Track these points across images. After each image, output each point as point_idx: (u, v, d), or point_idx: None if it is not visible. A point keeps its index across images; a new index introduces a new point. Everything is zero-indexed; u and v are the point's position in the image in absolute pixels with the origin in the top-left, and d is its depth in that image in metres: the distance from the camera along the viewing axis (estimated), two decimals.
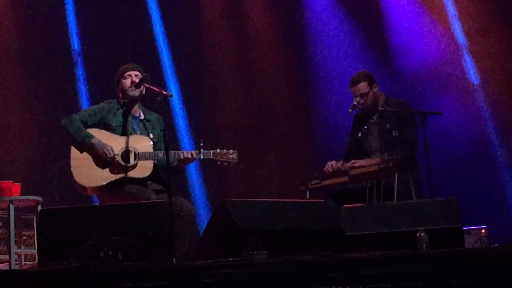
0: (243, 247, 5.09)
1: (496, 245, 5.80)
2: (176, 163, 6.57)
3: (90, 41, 9.85)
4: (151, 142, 6.54)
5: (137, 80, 6.55)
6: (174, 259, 5.16)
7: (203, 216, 9.50)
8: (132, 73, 6.64)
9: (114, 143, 6.45)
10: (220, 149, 6.63)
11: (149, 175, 6.48)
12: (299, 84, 10.17)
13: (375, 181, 6.80)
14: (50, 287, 4.32)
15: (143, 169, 6.45)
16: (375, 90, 7.16)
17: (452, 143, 9.19)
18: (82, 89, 9.76)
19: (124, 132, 6.54)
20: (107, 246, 4.80)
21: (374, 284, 4.34)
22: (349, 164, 6.95)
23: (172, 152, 6.41)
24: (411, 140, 7.04)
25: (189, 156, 6.53)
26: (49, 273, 4.44)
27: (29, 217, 8.04)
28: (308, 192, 7.01)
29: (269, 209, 5.79)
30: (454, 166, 9.07)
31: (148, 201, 6.00)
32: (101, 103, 6.72)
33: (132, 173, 6.43)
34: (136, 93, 6.59)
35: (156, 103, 6.10)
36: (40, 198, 7.50)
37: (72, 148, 6.44)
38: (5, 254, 7.60)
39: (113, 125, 6.56)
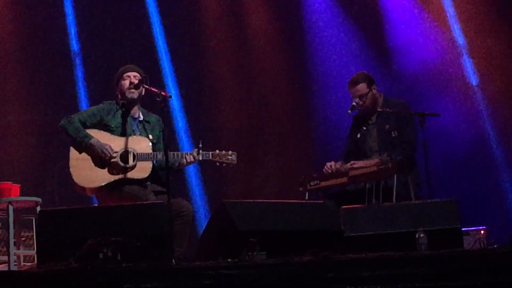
0: (242, 248, 5.08)
1: (495, 246, 5.78)
2: (176, 164, 6.57)
3: (89, 41, 9.85)
4: (150, 143, 6.54)
5: (136, 81, 6.55)
6: (173, 260, 5.16)
7: (202, 217, 9.51)
8: (131, 74, 6.64)
9: (113, 144, 6.45)
10: (219, 150, 6.63)
11: (148, 176, 6.49)
12: (298, 85, 10.17)
13: (374, 182, 6.80)
14: None
15: (142, 170, 6.46)
16: (374, 91, 7.16)
17: (451, 144, 9.19)
18: (81, 89, 9.76)
19: (123, 133, 6.54)
20: (106, 247, 4.80)
21: (373, 285, 4.35)
22: (348, 165, 6.95)
23: (171, 153, 6.41)
24: (411, 141, 7.04)
25: (192, 159, 6.53)
26: (48, 274, 4.44)
27: (28, 218, 8.03)
28: (307, 193, 7.01)
29: (268, 210, 5.79)
30: (453, 167, 9.06)
31: (147, 202, 6.01)
32: (100, 104, 6.72)
33: (131, 174, 6.44)
34: (135, 95, 6.59)
35: (155, 104, 6.10)
36: (39, 199, 7.49)
37: (71, 148, 6.45)
38: (4, 255, 7.59)
39: (112, 126, 6.56)
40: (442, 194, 7.07)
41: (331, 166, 6.99)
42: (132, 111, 6.65)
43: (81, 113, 6.66)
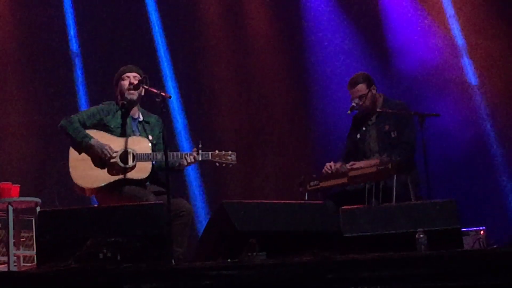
0: (241, 249, 5.08)
1: (494, 246, 5.79)
2: (177, 164, 6.57)
3: (89, 42, 9.86)
4: (150, 144, 6.54)
5: (136, 82, 6.55)
6: (173, 261, 5.17)
7: (202, 218, 9.51)
8: (131, 74, 6.64)
9: (112, 144, 6.45)
10: (219, 151, 6.63)
11: (148, 177, 6.49)
12: (298, 85, 10.17)
13: (374, 183, 6.80)
14: None
15: (142, 170, 6.46)
16: (373, 91, 7.17)
17: (450, 144, 9.18)
18: (81, 90, 9.76)
19: (123, 133, 6.54)
20: (106, 247, 4.80)
21: (373, 285, 4.35)
22: (347, 165, 6.95)
23: (171, 153, 6.41)
24: (410, 142, 7.04)
25: (192, 159, 6.53)
26: (48, 274, 4.44)
27: (28, 218, 8.04)
28: (306, 193, 7.01)
29: (268, 211, 5.79)
30: (452, 167, 9.06)
31: (147, 202, 6.00)
32: (100, 104, 6.72)
33: (130, 175, 6.44)
34: (134, 96, 6.59)
35: (155, 104, 6.10)
36: (38, 200, 7.50)
37: (71, 149, 6.45)
38: (3, 256, 7.60)
39: (112, 126, 6.56)
40: (441, 195, 7.07)
41: (330, 166, 6.99)
42: (131, 112, 6.65)
43: (81, 114, 6.66)
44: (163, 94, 6.06)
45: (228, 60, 10.17)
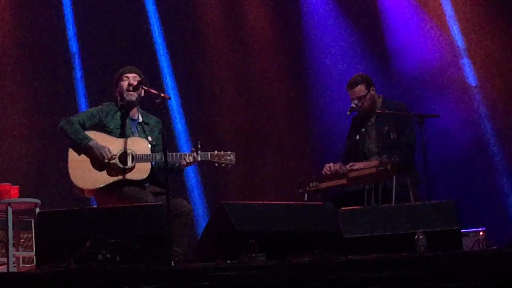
0: (241, 250, 5.08)
1: (494, 247, 5.79)
2: (176, 165, 6.57)
3: (88, 43, 9.86)
4: (149, 144, 6.54)
5: (135, 83, 6.54)
6: (172, 262, 5.16)
7: (201, 218, 9.51)
8: (130, 75, 6.63)
9: (112, 145, 6.45)
10: (218, 151, 6.63)
11: (147, 177, 6.49)
12: (297, 86, 10.17)
13: (373, 184, 6.80)
14: None
15: (141, 171, 6.46)
16: (373, 92, 7.16)
17: (450, 145, 9.19)
18: (80, 91, 9.76)
19: (122, 134, 6.54)
20: (105, 248, 4.80)
21: (373, 286, 4.35)
22: (347, 166, 6.95)
23: (170, 154, 6.41)
24: (409, 142, 7.04)
25: (192, 159, 6.53)
26: (47, 275, 4.44)
27: (27, 219, 8.04)
28: (306, 194, 7.01)
29: (267, 212, 5.79)
30: (452, 168, 9.06)
31: (146, 203, 6.00)
32: (99, 105, 6.72)
33: (129, 175, 6.44)
34: (133, 97, 6.58)
35: (155, 105, 6.11)
36: (38, 201, 7.50)
37: (70, 150, 6.44)
38: (3, 257, 7.60)
39: (111, 127, 6.56)
40: (441, 196, 7.07)
41: (330, 167, 6.99)
42: (131, 113, 6.65)
43: (80, 115, 6.66)
44: (163, 95, 6.06)
45: (228, 61, 10.17)
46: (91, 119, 6.55)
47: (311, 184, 6.99)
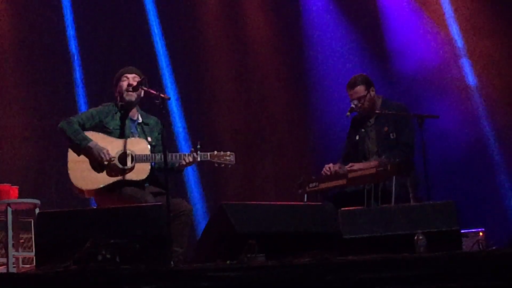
0: (241, 250, 5.08)
1: (494, 248, 5.78)
2: (176, 165, 6.58)
3: (88, 43, 9.86)
4: (148, 145, 6.54)
5: (135, 83, 6.55)
6: (172, 262, 5.16)
7: (201, 219, 9.51)
8: (130, 76, 6.64)
9: (111, 146, 6.45)
10: (217, 151, 6.63)
11: (147, 178, 6.49)
12: (296, 87, 10.18)
13: (373, 184, 6.80)
14: None
15: (140, 171, 6.46)
16: (372, 93, 7.17)
17: (449, 146, 9.19)
18: (80, 91, 9.76)
19: (122, 135, 6.54)
20: (105, 249, 4.79)
21: (372, 287, 4.35)
22: (347, 167, 6.95)
23: (170, 154, 6.41)
24: (409, 143, 7.04)
25: (191, 159, 6.53)
26: (47, 276, 4.44)
27: (27, 220, 8.04)
28: (306, 195, 7.01)
29: (267, 212, 5.79)
30: (451, 169, 9.06)
31: (146, 204, 6.00)
32: (99, 106, 6.72)
33: (129, 176, 6.44)
34: (132, 97, 6.59)
35: (154, 106, 6.11)
36: (37, 201, 7.50)
37: (70, 151, 6.45)
38: (3, 257, 7.59)
39: (111, 128, 6.56)
40: (440, 196, 7.07)
41: (329, 168, 6.99)
42: (130, 113, 6.65)
43: (80, 115, 6.66)
44: (162, 95, 6.06)
45: (227, 61, 10.18)
46: (90, 120, 6.55)
47: (310, 185, 6.99)
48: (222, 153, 6.63)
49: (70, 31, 9.86)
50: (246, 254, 5.01)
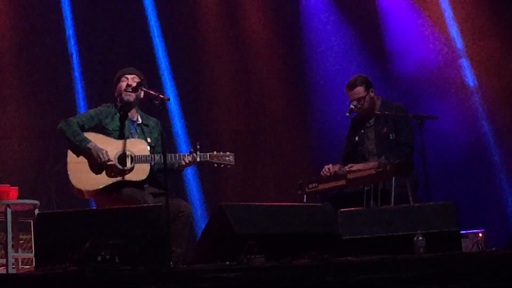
0: (240, 251, 5.08)
1: (493, 248, 5.78)
2: (176, 165, 6.58)
3: (88, 44, 9.85)
4: (148, 146, 6.54)
5: (134, 84, 6.55)
6: (171, 263, 5.16)
7: (200, 219, 9.50)
8: (129, 76, 6.64)
9: (110, 147, 6.45)
10: (217, 152, 6.64)
11: (146, 178, 6.49)
12: (296, 87, 10.18)
13: (372, 185, 6.80)
14: None
15: (140, 172, 6.46)
16: (372, 94, 7.17)
17: (449, 147, 9.18)
18: (80, 92, 9.75)
19: (121, 136, 6.54)
20: (104, 250, 4.80)
21: (372, 287, 4.35)
22: (346, 167, 6.96)
23: (170, 154, 6.41)
24: (408, 143, 7.04)
25: (191, 159, 6.53)
26: (46, 277, 4.44)
27: (26, 220, 8.04)
28: (305, 196, 7.01)
29: (266, 213, 5.79)
30: (451, 170, 9.06)
31: (146, 204, 6.00)
32: (98, 107, 6.73)
33: (129, 177, 6.44)
34: (131, 98, 6.59)
35: (154, 106, 6.11)
36: (37, 202, 7.49)
37: (69, 151, 6.45)
38: (2, 258, 7.59)
39: (110, 129, 6.56)
40: (440, 197, 7.08)
41: (329, 169, 6.99)
42: (130, 114, 6.65)
43: (80, 116, 6.66)
44: (162, 96, 6.06)
45: (227, 62, 10.17)
46: (90, 121, 6.55)
47: (310, 185, 6.99)
48: (221, 153, 6.64)
49: (70, 32, 9.85)
50: (245, 255, 5.01)
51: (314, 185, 6.99)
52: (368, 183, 6.81)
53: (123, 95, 6.59)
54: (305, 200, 6.99)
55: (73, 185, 6.41)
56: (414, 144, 7.04)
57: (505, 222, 8.92)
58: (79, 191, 6.44)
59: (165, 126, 6.51)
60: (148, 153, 6.48)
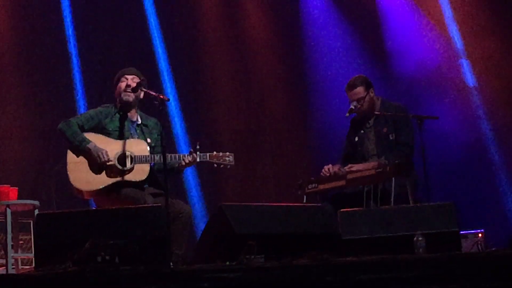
0: (240, 251, 5.08)
1: (493, 249, 5.78)
2: (176, 165, 6.58)
3: (87, 44, 9.85)
4: (148, 146, 6.54)
5: (134, 84, 6.55)
6: (171, 263, 5.16)
7: (200, 220, 9.50)
8: (129, 77, 6.64)
9: (110, 147, 6.44)
10: (217, 152, 6.63)
11: (146, 179, 6.49)
12: (296, 88, 10.18)
13: (372, 185, 6.80)
14: None
15: (140, 172, 6.45)
16: (371, 94, 7.16)
17: (449, 147, 9.18)
18: (79, 92, 9.75)
19: (121, 136, 6.54)
20: (104, 250, 4.80)
21: None
22: (346, 168, 6.95)
23: (169, 155, 6.41)
24: (408, 143, 7.04)
25: (191, 159, 6.53)
26: (46, 277, 4.44)
27: (26, 221, 8.04)
28: (305, 196, 7.01)
29: (266, 213, 5.79)
30: (451, 170, 9.06)
31: (145, 205, 6.00)
32: (98, 107, 6.72)
33: (128, 177, 6.44)
34: (130, 98, 6.59)
35: (154, 107, 6.11)
36: (37, 202, 7.49)
37: (69, 152, 6.44)
38: (2, 258, 7.59)
39: (110, 129, 6.56)
40: (440, 197, 7.07)
41: (329, 169, 6.99)
42: (130, 115, 6.65)
43: (79, 117, 6.65)
44: (162, 96, 6.06)
45: (227, 62, 10.17)
46: (90, 121, 6.55)
47: (310, 186, 6.99)
48: (221, 153, 6.63)
49: (70, 32, 9.85)
50: (245, 255, 5.02)
51: (314, 185, 6.98)
52: (368, 184, 6.81)
53: (122, 95, 6.60)
54: (305, 201, 6.99)
55: (73, 185, 6.41)
56: (414, 144, 7.04)
57: (505, 222, 8.93)
58: (79, 191, 6.44)
59: (165, 126, 6.52)
60: (148, 154, 6.47)
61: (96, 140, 6.44)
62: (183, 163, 6.55)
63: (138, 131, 6.66)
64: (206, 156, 6.60)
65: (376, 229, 5.70)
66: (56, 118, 7.69)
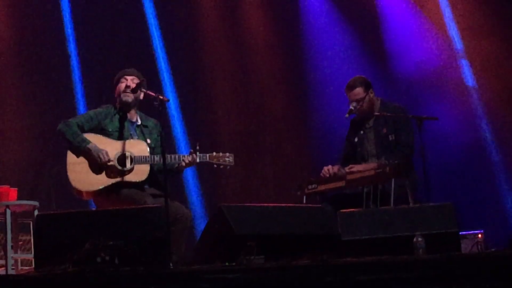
0: (239, 252, 5.08)
1: (493, 249, 5.79)
2: (176, 166, 6.58)
3: (87, 45, 9.85)
4: (147, 146, 6.54)
5: (134, 85, 6.55)
6: (171, 264, 5.16)
7: (200, 220, 9.50)
8: (129, 77, 6.64)
9: (110, 147, 6.44)
10: (217, 152, 6.63)
11: (146, 179, 6.49)
12: (295, 89, 10.18)
13: (372, 186, 6.80)
14: None
15: (140, 173, 6.45)
16: (371, 95, 7.16)
17: (448, 147, 9.18)
18: (79, 93, 9.76)
19: (121, 137, 6.54)
20: (104, 251, 4.80)
21: None
22: (346, 169, 6.95)
23: (169, 155, 6.41)
24: (408, 144, 7.04)
25: (191, 159, 6.52)
26: (46, 278, 4.44)
27: (26, 221, 8.04)
28: (304, 196, 7.01)
29: (266, 214, 5.79)
30: (450, 170, 9.06)
31: (145, 206, 6.00)
32: (98, 108, 6.72)
33: (128, 177, 6.44)
34: (129, 99, 6.59)
35: (153, 107, 6.11)
36: (36, 203, 7.49)
37: (69, 152, 6.44)
38: (1, 259, 7.59)
39: (110, 130, 6.56)
40: (439, 198, 7.07)
41: (328, 170, 6.99)
42: (129, 115, 6.65)
43: (79, 117, 6.65)
44: (161, 97, 6.06)
45: (226, 62, 10.18)
46: (89, 122, 6.55)
47: (309, 187, 6.98)
48: (221, 154, 6.64)
49: (69, 32, 9.86)
50: (245, 256, 5.02)
51: (313, 186, 6.98)
52: (367, 184, 6.81)
53: (121, 96, 6.60)
54: (304, 201, 6.98)
55: (72, 186, 6.41)
56: (414, 145, 7.04)
57: (505, 223, 8.92)
58: (79, 191, 6.44)
59: (165, 127, 6.52)
60: (147, 154, 6.47)
61: (96, 140, 6.44)
62: (183, 164, 6.55)
63: (138, 131, 6.66)
64: (206, 156, 6.60)
65: (375, 230, 5.70)
66: (56, 118, 7.68)
